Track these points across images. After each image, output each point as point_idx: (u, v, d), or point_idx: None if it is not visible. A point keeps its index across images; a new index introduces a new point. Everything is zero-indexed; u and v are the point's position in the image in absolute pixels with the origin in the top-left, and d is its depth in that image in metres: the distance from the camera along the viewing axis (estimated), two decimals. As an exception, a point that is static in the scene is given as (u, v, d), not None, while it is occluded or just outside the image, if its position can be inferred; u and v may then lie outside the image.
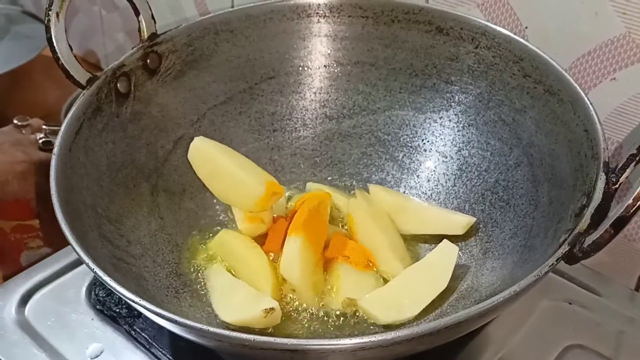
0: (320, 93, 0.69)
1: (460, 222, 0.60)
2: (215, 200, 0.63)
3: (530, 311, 0.58)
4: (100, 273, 0.43)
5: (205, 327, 0.40)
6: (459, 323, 0.40)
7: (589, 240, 0.43)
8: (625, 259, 0.65)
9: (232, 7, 0.67)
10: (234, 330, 0.46)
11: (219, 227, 0.62)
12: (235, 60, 0.66)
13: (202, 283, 0.57)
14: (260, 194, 0.57)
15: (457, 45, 0.63)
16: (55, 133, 0.65)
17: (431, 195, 0.64)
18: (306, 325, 0.54)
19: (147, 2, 0.60)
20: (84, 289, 0.61)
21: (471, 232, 0.60)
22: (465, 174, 0.63)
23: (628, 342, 0.57)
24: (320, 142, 0.69)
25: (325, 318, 0.55)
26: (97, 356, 0.55)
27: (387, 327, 0.53)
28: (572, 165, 0.52)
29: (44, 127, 0.80)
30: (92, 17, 1.03)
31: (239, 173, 0.58)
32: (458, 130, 0.65)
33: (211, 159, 0.59)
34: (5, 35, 0.94)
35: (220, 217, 0.64)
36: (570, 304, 0.60)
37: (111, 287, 0.43)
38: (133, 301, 0.42)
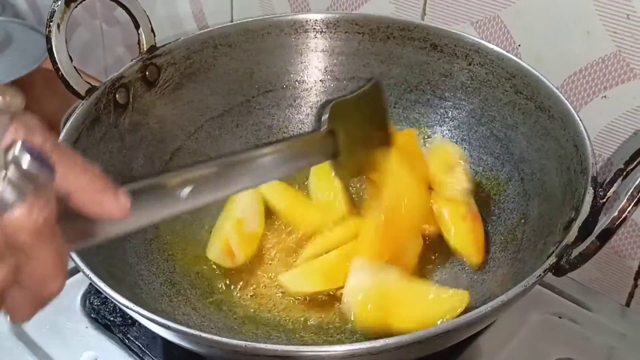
0: (316, 107, 0.70)
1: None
2: (210, 212, 0.64)
3: (520, 324, 0.59)
4: (96, 279, 0.44)
5: (197, 332, 0.41)
6: (448, 332, 0.41)
7: (575, 252, 0.43)
8: (616, 274, 0.66)
9: (232, 21, 0.68)
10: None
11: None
12: (233, 73, 0.67)
13: (196, 292, 0.57)
14: None
15: (451, 62, 0.64)
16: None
17: (424, 209, 0.65)
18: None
19: (147, 16, 0.62)
20: (78, 297, 0.61)
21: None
22: (457, 188, 0.64)
23: (619, 357, 0.57)
24: (315, 155, 0.70)
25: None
26: (90, 364, 0.56)
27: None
28: (562, 180, 0.53)
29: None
30: (93, 31, 1.04)
31: None
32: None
33: None
34: (7, 47, 0.95)
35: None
36: (560, 318, 0.60)
37: (106, 293, 0.43)
38: (127, 307, 0.42)
